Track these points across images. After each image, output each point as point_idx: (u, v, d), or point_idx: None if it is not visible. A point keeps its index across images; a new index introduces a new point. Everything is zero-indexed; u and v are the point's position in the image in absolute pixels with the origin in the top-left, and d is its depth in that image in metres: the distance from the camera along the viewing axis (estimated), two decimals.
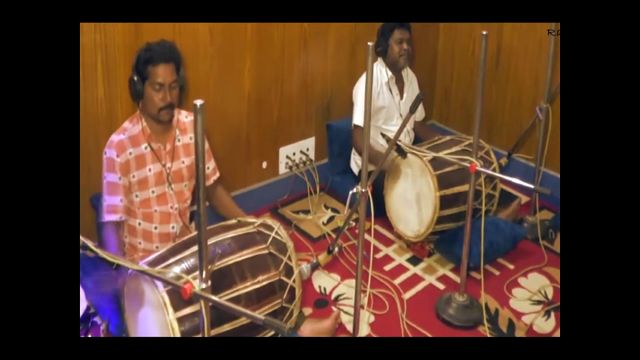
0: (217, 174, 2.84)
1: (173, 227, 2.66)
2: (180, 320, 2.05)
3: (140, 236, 2.62)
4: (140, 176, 2.54)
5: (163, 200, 2.61)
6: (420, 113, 3.74)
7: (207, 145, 2.75)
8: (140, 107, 2.54)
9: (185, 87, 2.58)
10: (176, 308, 2.05)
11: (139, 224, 2.60)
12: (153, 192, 2.58)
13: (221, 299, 1.86)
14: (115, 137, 2.50)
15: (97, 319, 2.43)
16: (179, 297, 1.97)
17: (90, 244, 1.92)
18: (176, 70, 2.49)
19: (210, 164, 2.80)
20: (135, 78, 2.45)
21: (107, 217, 2.49)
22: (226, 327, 2.16)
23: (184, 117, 2.65)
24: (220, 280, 2.17)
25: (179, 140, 2.61)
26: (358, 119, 3.40)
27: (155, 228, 2.62)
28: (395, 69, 3.46)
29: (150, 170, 2.55)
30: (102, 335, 2.32)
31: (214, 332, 2.11)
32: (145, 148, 2.53)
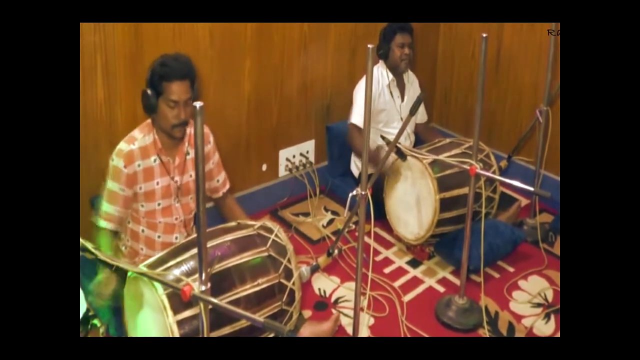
0: (227, 186, 2.82)
1: (176, 238, 2.64)
2: (179, 323, 2.05)
3: (142, 242, 2.61)
4: (147, 189, 2.51)
5: (168, 212, 2.60)
6: (421, 115, 3.74)
7: (217, 157, 2.74)
8: (153, 119, 2.49)
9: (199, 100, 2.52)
10: (176, 311, 2.05)
11: (142, 231, 2.59)
12: (159, 204, 2.56)
13: (221, 301, 1.86)
14: (124, 147, 2.45)
15: (96, 321, 2.43)
16: (178, 299, 1.97)
17: (89, 246, 1.92)
18: (191, 86, 2.43)
19: (221, 177, 2.78)
20: (149, 92, 2.40)
21: (103, 224, 2.48)
22: (226, 330, 2.15)
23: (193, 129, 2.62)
24: (220, 282, 2.17)
25: (188, 154, 2.57)
26: (356, 118, 3.39)
27: (159, 237, 2.61)
28: (396, 72, 3.46)
29: (157, 183, 2.52)
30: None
31: (214, 334, 2.11)
32: (155, 161, 2.50)
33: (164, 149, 2.51)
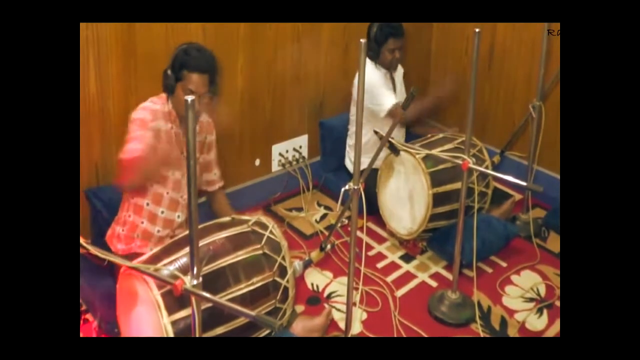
0: (222, 182, 2.85)
1: (179, 217, 2.63)
2: (174, 323, 2.04)
3: (145, 216, 2.58)
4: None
5: (177, 186, 2.59)
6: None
7: (213, 154, 2.77)
8: (168, 97, 2.51)
9: (218, 93, 2.53)
10: (170, 311, 2.03)
11: (147, 204, 2.57)
12: (172, 173, 2.56)
13: None
14: (149, 104, 2.48)
15: (89, 317, 2.42)
16: (173, 299, 1.96)
17: (83, 241, 1.91)
18: (210, 80, 2.44)
19: (217, 171, 2.81)
20: (170, 73, 2.42)
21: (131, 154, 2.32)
22: (220, 330, 2.15)
23: (202, 117, 2.64)
24: (214, 282, 2.16)
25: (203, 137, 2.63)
26: (387, 102, 3.32)
27: (162, 212, 2.59)
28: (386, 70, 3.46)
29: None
30: (94, 333, 2.32)
31: (207, 335, 2.10)
32: (171, 128, 2.52)
33: (177, 121, 2.53)
